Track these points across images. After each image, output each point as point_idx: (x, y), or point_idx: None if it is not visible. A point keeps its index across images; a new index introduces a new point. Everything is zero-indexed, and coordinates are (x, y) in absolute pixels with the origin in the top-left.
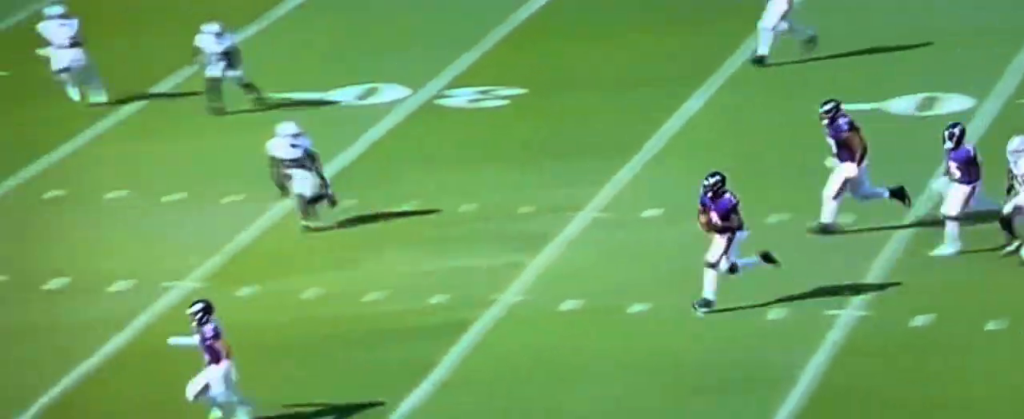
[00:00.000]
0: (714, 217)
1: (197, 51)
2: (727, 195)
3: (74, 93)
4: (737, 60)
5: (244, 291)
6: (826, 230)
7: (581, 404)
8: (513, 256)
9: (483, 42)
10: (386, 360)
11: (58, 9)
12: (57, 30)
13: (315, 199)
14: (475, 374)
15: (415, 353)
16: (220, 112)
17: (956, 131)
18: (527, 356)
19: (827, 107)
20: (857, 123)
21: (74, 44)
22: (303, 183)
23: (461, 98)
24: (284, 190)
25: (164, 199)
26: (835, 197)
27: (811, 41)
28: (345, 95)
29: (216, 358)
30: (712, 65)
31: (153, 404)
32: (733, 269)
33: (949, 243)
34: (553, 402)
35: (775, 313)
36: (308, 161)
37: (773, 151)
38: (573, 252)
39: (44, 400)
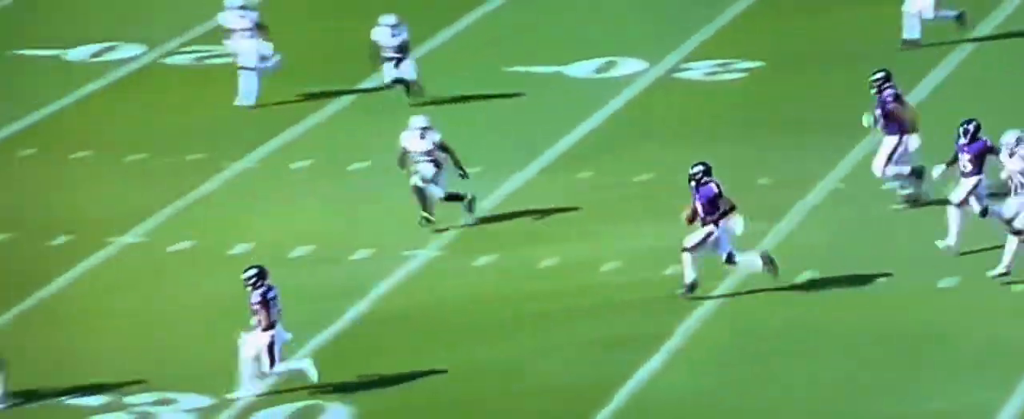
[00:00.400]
0: (698, 206)
1: (374, 45)
2: (710, 184)
3: (255, 87)
4: (983, 30)
5: (482, 260)
6: (915, 201)
7: (815, 377)
8: (750, 227)
9: (722, 15)
10: (621, 329)
11: (238, 0)
12: (237, 21)
13: (451, 197)
14: (709, 345)
15: (650, 323)
16: (416, 103)
17: (970, 127)
18: (762, 328)
19: (876, 76)
20: (904, 97)
21: (253, 35)
22: (425, 179)
23: (698, 71)
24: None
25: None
26: (887, 167)
27: (960, 19)
28: (582, 69)
29: (267, 325)
30: (957, 36)
31: (392, 367)
32: (730, 260)
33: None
34: (787, 374)
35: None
36: (438, 153)
37: (1016, 123)
38: (810, 224)
39: (293, 361)
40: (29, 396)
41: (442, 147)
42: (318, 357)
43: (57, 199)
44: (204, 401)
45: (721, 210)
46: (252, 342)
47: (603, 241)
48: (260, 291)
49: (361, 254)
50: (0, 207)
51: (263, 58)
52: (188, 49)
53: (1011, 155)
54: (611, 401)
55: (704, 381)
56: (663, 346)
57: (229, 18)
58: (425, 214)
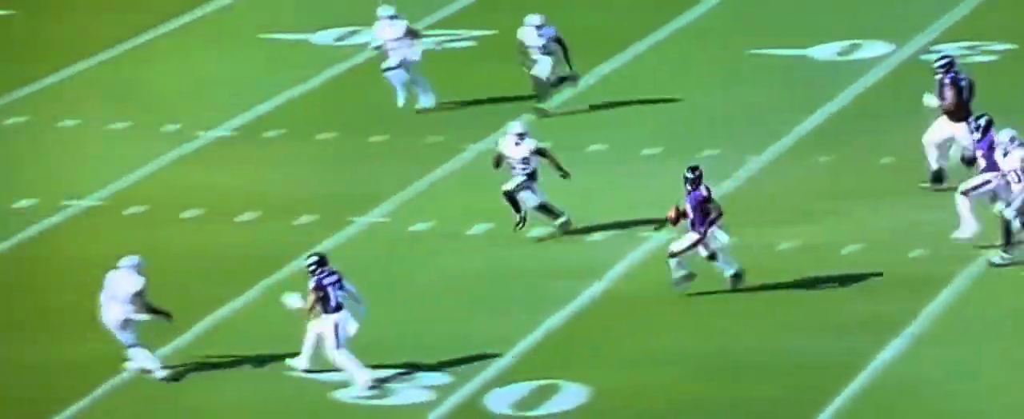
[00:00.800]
0: (688, 209)
1: (521, 45)
2: (699, 189)
3: (401, 96)
4: None
5: None
6: (938, 177)
7: None
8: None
9: None
10: (862, 312)
11: (389, 10)
12: (386, 30)
13: (543, 208)
14: (952, 330)
15: (892, 306)
16: (544, 113)
17: (982, 122)
18: (1006, 311)
19: (942, 62)
20: (962, 83)
21: (401, 44)
22: (520, 186)
23: None
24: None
25: (644, 152)
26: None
27: None
28: (826, 51)
29: (326, 309)
30: None
31: (628, 348)
32: (712, 257)
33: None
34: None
35: None
36: (534, 159)
37: None
38: None
39: (530, 340)
40: (272, 370)
41: (540, 152)
42: (553, 337)
43: (301, 178)
44: (442, 378)
45: (710, 217)
46: (317, 325)
47: (844, 224)
48: (316, 278)
49: (598, 236)
50: (246, 186)
51: (407, 63)
52: (432, 33)
53: (1006, 154)
54: (852, 383)
55: (946, 365)
56: (905, 330)
57: (380, 27)
58: (520, 217)
